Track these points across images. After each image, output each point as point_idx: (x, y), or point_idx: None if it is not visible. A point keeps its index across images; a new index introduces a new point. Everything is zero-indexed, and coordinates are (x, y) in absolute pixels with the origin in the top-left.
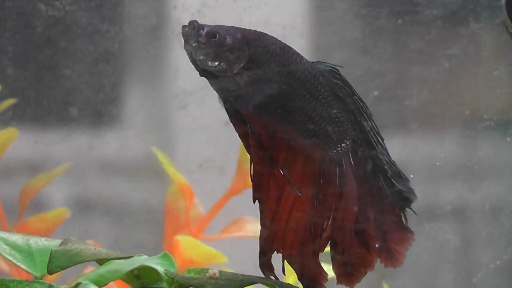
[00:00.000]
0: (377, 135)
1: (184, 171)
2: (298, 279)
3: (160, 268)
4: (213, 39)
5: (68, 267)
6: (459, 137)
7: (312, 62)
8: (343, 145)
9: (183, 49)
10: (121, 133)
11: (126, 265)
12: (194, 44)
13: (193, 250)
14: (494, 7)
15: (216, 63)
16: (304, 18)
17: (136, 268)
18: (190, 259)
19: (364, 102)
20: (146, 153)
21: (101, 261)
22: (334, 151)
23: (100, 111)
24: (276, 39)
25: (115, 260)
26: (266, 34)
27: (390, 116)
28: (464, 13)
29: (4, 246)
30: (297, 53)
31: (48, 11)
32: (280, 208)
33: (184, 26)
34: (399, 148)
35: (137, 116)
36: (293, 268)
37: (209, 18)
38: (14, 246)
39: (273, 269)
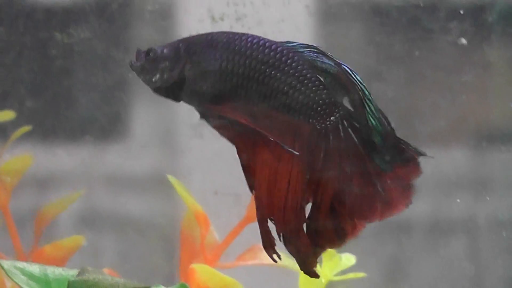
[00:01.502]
0: (368, 100)
1: (199, 199)
2: (292, 254)
3: None
4: (148, 56)
5: None
6: (469, 152)
7: (282, 42)
8: (332, 118)
9: None
10: (135, 159)
11: None
12: (138, 69)
13: (210, 279)
14: (508, 34)
15: (158, 76)
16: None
17: None
18: (206, 287)
19: (352, 70)
20: (160, 178)
21: None
22: (323, 125)
23: (114, 138)
24: (231, 32)
25: None
26: (218, 32)
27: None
28: (478, 40)
29: (22, 277)
30: (259, 37)
31: (63, 39)
32: (273, 186)
33: (131, 61)
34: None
35: (153, 143)
36: (289, 246)
37: None
38: (31, 276)
39: (275, 244)
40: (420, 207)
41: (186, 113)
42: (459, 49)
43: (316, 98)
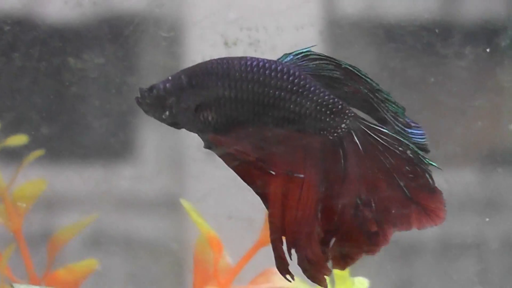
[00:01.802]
0: (377, 93)
1: (213, 223)
2: (302, 268)
3: None
4: (152, 93)
5: None
6: (481, 175)
7: (278, 59)
8: (343, 125)
9: None
10: (148, 183)
11: None
12: (145, 108)
13: None
14: None
15: (167, 112)
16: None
17: None
18: None
19: (353, 66)
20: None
21: None
22: (335, 134)
23: (126, 161)
24: (230, 58)
25: None
26: (218, 59)
27: None
28: (491, 65)
29: None
30: (258, 59)
31: (76, 64)
32: (285, 205)
33: (136, 98)
34: None
35: (166, 167)
36: (299, 259)
37: None
38: None
39: (288, 264)
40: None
41: (199, 137)
42: (472, 74)
43: (323, 109)
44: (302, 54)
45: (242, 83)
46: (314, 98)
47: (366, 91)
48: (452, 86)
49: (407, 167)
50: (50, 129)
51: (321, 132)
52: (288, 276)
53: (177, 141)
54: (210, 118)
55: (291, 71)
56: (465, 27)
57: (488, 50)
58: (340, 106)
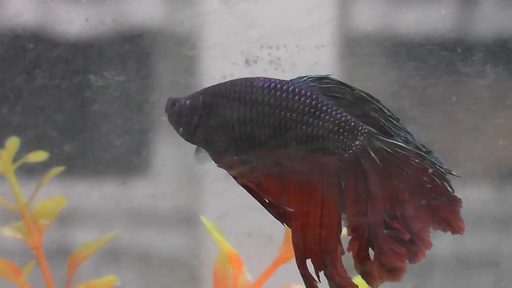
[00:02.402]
0: (388, 119)
1: (233, 240)
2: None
3: None
4: (174, 107)
5: None
6: (498, 192)
7: (294, 79)
8: (357, 142)
9: None
10: (168, 200)
11: None
12: (169, 118)
13: None
14: None
15: (181, 129)
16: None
17: None
18: None
19: (367, 93)
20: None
21: None
22: (350, 151)
23: (147, 178)
24: (244, 79)
25: None
26: (234, 80)
27: None
28: (510, 83)
29: None
30: (270, 80)
31: (97, 81)
32: (307, 225)
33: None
34: None
35: (186, 185)
36: (326, 274)
37: None
38: None
39: (314, 278)
40: (445, 243)
41: None
42: (492, 93)
43: (336, 128)
44: (316, 77)
45: (255, 106)
46: (327, 117)
47: (377, 116)
48: (472, 104)
49: (425, 178)
50: (71, 146)
51: (336, 151)
52: None
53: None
54: (222, 139)
55: (303, 92)
56: (485, 46)
57: (507, 68)
58: (353, 123)
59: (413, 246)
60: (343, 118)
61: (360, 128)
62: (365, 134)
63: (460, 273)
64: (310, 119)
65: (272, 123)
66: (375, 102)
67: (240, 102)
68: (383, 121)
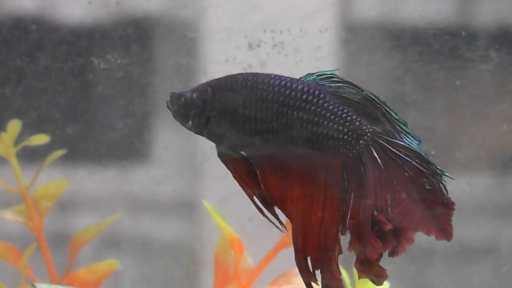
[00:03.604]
0: (396, 122)
1: (234, 225)
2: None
3: None
4: (179, 101)
5: None
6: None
7: (301, 78)
8: (361, 142)
9: None
10: (170, 184)
11: None
12: (173, 114)
13: None
14: None
15: (190, 122)
16: (353, 74)
17: None
18: None
19: (373, 94)
20: (194, 204)
21: None
22: (354, 151)
23: (148, 162)
24: (255, 74)
25: None
26: (244, 75)
27: None
28: None
29: None
30: (281, 78)
31: (100, 64)
32: (308, 221)
33: (167, 102)
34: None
35: (188, 169)
36: (320, 272)
37: None
38: None
39: (312, 273)
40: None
41: None
42: (496, 78)
43: (341, 127)
44: (325, 76)
45: (262, 103)
46: (332, 117)
47: (384, 119)
48: (475, 90)
49: (424, 179)
50: (73, 129)
51: (342, 150)
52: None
53: (199, 143)
54: (228, 134)
55: (311, 91)
56: (489, 31)
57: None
58: (358, 123)
59: (395, 241)
60: (349, 118)
61: (364, 128)
62: (369, 134)
63: (461, 260)
64: (316, 118)
65: (281, 121)
66: (383, 105)
67: (252, 98)
68: (390, 124)
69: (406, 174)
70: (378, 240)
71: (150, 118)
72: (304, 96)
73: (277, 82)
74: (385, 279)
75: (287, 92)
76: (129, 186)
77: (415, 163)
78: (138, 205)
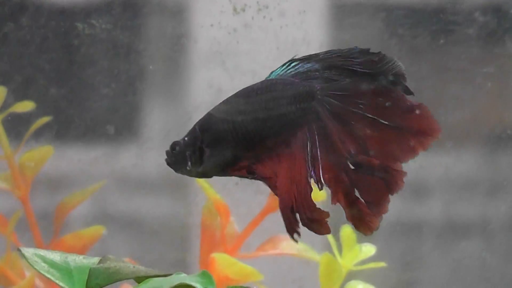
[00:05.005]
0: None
1: (220, 190)
2: (306, 226)
3: (199, 286)
4: (175, 151)
5: (107, 285)
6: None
7: (267, 77)
8: (313, 102)
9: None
10: (155, 152)
11: (166, 283)
12: (174, 167)
13: (230, 268)
14: None
15: (189, 163)
16: (338, 37)
17: (175, 286)
18: (226, 276)
19: (327, 51)
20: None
21: (139, 279)
22: (311, 112)
23: (136, 129)
24: (230, 98)
25: (154, 278)
26: (221, 103)
27: None
28: (500, 32)
29: (43, 264)
30: (244, 89)
31: (85, 30)
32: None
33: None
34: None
35: (171, 137)
36: (301, 219)
37: (246, 37)
38: (52, 264)
39: (297, 224)
40: (434, 207)
41: (205, 111)
42: (480, 41)
43: (293, 98)
44: (286, 64)
45: (243, 118)
46: (285, 94)
47: (337, 55)
48: (461, 53)
49: (380, 99)
50: (58, 93)
51: (300, 115)
52: (295, 236)
53: (184, 111)
54: (223, 157)
55: (269, 83)
56: None
57: (497, 17)
58: (307, 87)
59: (389, 177)
60: (296, 87)
61: (313, 89)
62: (318, 92)
63: (449, 236)
64: (275, 102)
65: (260, 127)
66: (336, 53)
67: (230, 119)
68: (347, 61)
69: (361, 106)
70: (355, 187)
71: (135, 84)
72: (265, 90)
73: (245, 90)
74: (375, 229)
75: (256, 97)
76: (109, 158)
77: (364, 91)
78: (125, 176)
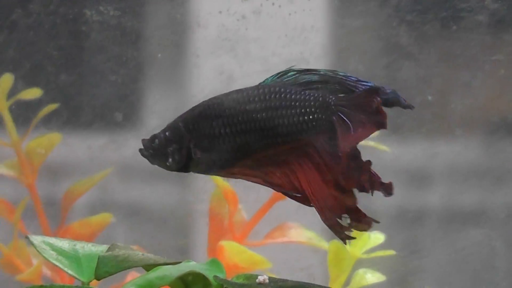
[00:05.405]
0: (348, 80)
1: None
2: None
3: (208, 274)
4: (154, 144)
5: (116, 273)
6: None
7: (261, 83)
8: (328, 112)
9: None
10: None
11: (175, 271)
12: (150, 159)
13: (238, 256)
14: None
15: (170, 159)
16: (347, 24)
17: (185, 274)
18: (235, 264)
19: (331, 70)
20: None
21: (148, 267)
22: (327, 122)
23: (144, 116)
24: (218, 96)
25: (163, 266)
26: (208, 100)
27: (435, 121)
28: (509, 19)
29: (51, 252)
30: (243, 91)
31: (92, 16)
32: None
33: (140, 149)
34: (443, 154)
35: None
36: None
37: (255, 24)
38: (61, 252)
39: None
40: (435, 196)
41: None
42: (490, 28)
43: (308, 109)
44: (283, 73)
45: (232, 118)
46: (297, 104)
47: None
48: (470, 40)
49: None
50: (66, 80)
51: (317, 126)
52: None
53: (187, 98)
54: (212, 158)
55: (272, 89)
56: None
57: (506, 4)
58: (320, 99)
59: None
60: (312, 98)
61: (327, 99)
62: (332, 102)
63: (450, 226)
64: (284, 111)
65: (253, 129)
66: (339, 74)
67: (223, 117)
68: (348, 83)
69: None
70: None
71: (143, 70)
72: (267, 97)
73: (240, 95)
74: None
75: (251, 99)
76: (123, 139)
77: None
78: (134, 163)
